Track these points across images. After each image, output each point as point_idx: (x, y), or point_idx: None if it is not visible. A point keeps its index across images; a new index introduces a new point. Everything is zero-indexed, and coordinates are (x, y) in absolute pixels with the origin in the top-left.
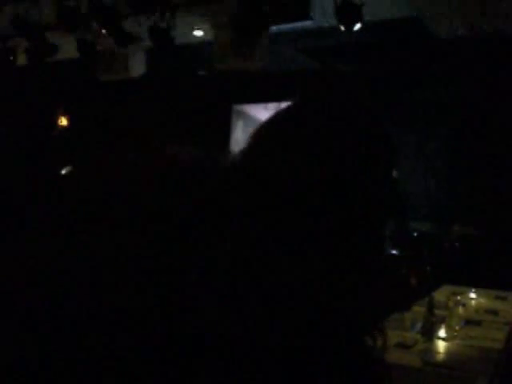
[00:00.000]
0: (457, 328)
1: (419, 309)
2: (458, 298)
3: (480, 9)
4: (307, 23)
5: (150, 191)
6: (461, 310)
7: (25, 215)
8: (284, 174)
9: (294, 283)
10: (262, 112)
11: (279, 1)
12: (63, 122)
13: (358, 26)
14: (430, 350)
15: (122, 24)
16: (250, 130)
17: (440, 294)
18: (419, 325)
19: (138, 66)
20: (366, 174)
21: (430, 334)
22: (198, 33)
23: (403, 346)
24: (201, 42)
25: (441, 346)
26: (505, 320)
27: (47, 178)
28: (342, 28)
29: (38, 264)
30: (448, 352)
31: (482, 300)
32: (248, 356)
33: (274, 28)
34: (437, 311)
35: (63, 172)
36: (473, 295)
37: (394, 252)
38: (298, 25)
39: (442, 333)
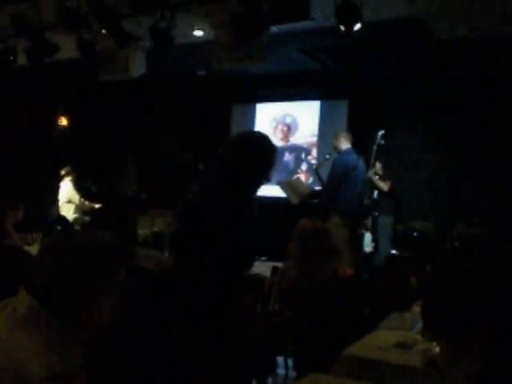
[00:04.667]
0: None
1: (419, 309)
2: None
3: (480, 9)
4: (307, 23)
5: None
6: None
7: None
8: None
9: None
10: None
11: (279, 1)
12: (63, 122)
13: (357, 26)
14: (430, 350)
15: (122, 24)
16: None
17: None
18: (419, 325)
19: (138, 66)
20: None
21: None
22: (198, 33)
23: (403, 345)
24: (201, 42)
25: None
26: None
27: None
28: (342, 28)
29: None
30: None
31: None
32: None
33: (274, 28)
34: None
35: (63, 172)
36: None
37: (393, 252)
38: (298, 25)
39: None
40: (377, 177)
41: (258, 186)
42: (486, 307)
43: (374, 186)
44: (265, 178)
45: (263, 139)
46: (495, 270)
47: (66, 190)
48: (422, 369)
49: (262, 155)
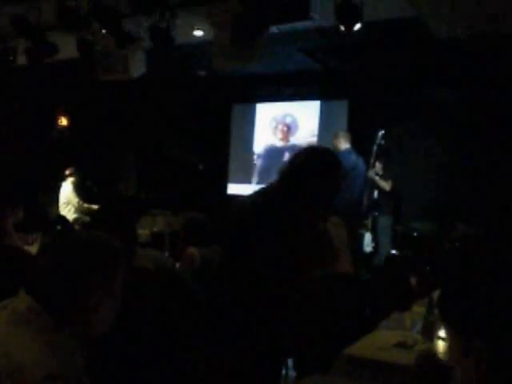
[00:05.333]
0: None
1: (419, 309)
2: None
3: (480, 9)
4: (307, 23)
5: None
6: None
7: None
8: None
9: None
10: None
11: (279, 1)
12: (63, 121)
13: (357, 26)
14: (430, 350)
15: (122, 24)
16: None
17: None
18: (419, 325)
19: (138, 66)
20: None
21: (429, 334)
22: (198, 33)
23: (403, 345)
24: (201, 42)
25: (441, 346)
26: None
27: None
28: (342, 28)
29: None
30: None
31: None
32: None
33: (274, 28)
34: (437, 311)
35: (67, 172)
36: None
37: (393, 252)
38: (298, 25)
39: (442, 333)
40: (377, 177)
41: (317, 206)
42: (503, 305)
43: (375, 186)
44: (325, 200)
45: (332, 162)
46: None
47: (66, 192)
48: (412, 367)
49: (325, 179)
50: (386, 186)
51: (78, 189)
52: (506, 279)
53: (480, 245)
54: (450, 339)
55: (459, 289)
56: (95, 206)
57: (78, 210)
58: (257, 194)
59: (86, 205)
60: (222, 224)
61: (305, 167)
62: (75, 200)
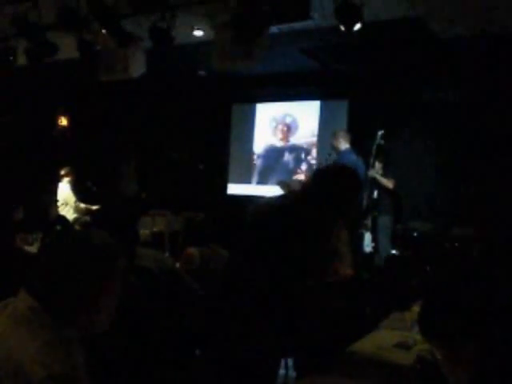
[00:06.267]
0: None
1: (419, 309)
2: None
3: (480, 9)
4: (307, 23)
5: None
6: None
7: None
8: None
9: None
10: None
11: (279, 1)
12: (63, 122)
13: (358, 26)
14: (430, 351)
15: (122, 24)
16: None
17: None
18: None
19: (138, 66)
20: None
21: None
22: (198, 33)
23: (403, 345)
24: (201, 42)
25: None
26: None
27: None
28: (342, 28)
29: None
30: None
31: None
32: None
33: (274, 28)
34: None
35: (62, 172)
36: None
37: (393, 252)
38: (298, 25)
39: None
40: (379, 175)
41: (332, 217)
42: (478, 309)
43: (375, 186)
44: (341, 213)
45: (352, 177)
46: (485, 273)
47: (63, 192)
48: (413, 365)
49: (344, 192)
50: (389, 183)
51: (77, 189)
52: (488, 288)
53: (456, 260)
54: (437, 352)
55: (442, 304)
56: (93, 207)
57: (76, 210)
58: (276, 197)
59: (82, 205)
60: (239, 224)
61: (328, 182)
62: (72, 200)
